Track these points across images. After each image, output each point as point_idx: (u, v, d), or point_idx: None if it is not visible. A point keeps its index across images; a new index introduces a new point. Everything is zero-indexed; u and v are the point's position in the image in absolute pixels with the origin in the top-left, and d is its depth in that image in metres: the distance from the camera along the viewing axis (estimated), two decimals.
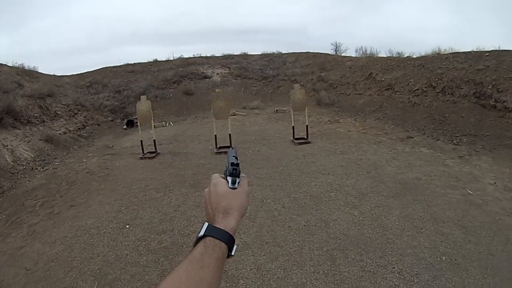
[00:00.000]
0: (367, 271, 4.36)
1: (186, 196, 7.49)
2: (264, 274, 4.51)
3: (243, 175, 1.10)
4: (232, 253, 0.94)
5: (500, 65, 11.42)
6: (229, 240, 0.92)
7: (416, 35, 70.77)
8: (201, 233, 0.93)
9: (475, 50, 13.57)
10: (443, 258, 4.51)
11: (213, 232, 0.92)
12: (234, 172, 1.06)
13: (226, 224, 0.95)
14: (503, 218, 5.66)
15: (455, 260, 4.45)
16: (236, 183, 1.06)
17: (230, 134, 11.15)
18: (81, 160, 11.52)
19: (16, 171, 10.12)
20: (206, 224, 0.95)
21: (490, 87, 11.01)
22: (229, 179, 1.06)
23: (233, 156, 1.15)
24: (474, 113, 10.88)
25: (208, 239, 0.90)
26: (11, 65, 19.12)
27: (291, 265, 4.66)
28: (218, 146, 11.18)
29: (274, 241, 5.34)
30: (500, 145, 9.28)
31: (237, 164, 1.08)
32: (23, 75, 18.01)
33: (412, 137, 10.99)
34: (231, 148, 1.24)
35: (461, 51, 14.19)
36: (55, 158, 11.90)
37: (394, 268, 4.37)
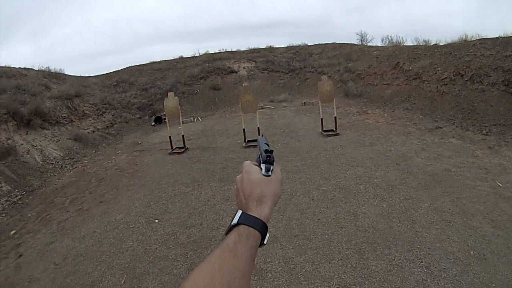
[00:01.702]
0: (395, 265, 4.36)
1: (215, 190, 7.61)
2: (292, 268, 4.57)
3: (276, 162, 1.07)
4: (265, 242, 0.92)
5: None
6: (263, 228, 0.91)
7: (440, 19, 68.95)
8: (235, 221, 0.91)
9: (502, 35, 13.29)
10: (471, 252, 4.46)
11: (247, 220, 0.90)
12: (268, 159, 1.04)
13: (260, 212, 0.94)
14: None
15: (483, 255, 4.39)
16: (270, 170, 1.03)
17: (258, 128, 11.28)
18: (110, 157, 11.84)
19: (45, 169, 10.49)
20: (239, 212, 0.93)
21: None
22: (263, 166, 1.04)
23: (265, 143, 1.14)
24: (503, 102, 10.64)
25: (242, 227, 0.89)
26: (37, 68, 19.60)
27: (320, 259, 4.70)
28: (246, 140, 11.28)
29: (303, 234, 5.40)
30: None
31: (271, 151, 1.06)
32: (50, 78, 18.57)
33: (441, 127, 10.85)
34: (261, 136, 1.23)
35: (488, 37, 13.94)
36: (84, 156, 12.24)
37: (422, 262, 4.35)
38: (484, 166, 7.47)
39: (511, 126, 9.67)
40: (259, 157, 1.11)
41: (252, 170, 1.04)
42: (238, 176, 1.07)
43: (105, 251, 5.56)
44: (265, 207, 0.96)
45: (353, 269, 4.41)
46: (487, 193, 6.20)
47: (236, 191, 1.06)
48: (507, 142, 8.80)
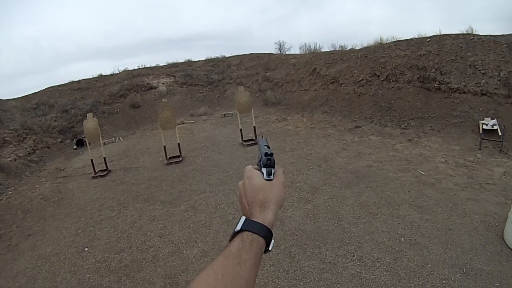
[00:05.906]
0: (328, 263, 4.42)
1: (141, 211, 7.39)
2: None
3: (277, 165, 1.04)
4: (270, 248, 0.90)
5: (442, 49, 11.77)
6: (267, 234, 0.88)
7: (358, 27, 72.57)
8: (238, 227, 0.88)
9: (416, 37, 13.92)
10: (402, 239, 4.63)
11: (251, 226, 0.87)
12: (269, 162, 1.01)
13: (264, 217, 0.90)
14: (458, 193, 5.89)
15: (414, 240, 4.58)
16: (272, 174, 1.00)
17: (178, 144, 11.01)
18: (34, 186, 11.09)
19: None
20: (243, 218, 0.90)
21: (433, 70, 11.34)
22: (264, 170, 1.01)
23: (265, 145, 1.11)
24: (420, 97, 11.17)
25: (245, 233, 0.86)
26: None
27: None
28: (168, 157, 10.98)
29: None
30: (448, 125, 9.58)
31: (271, 154, 1.03)
32: None
33: (360, 127, 11.16)
34: (261, 137, 1.21)
35: (402, 39, 14.50)
36: (8, 187, 11.40)
37: (354, 256, 4.45)
38: (405, 158, 7.75)
39: (429, 118, 10.15)
40: (260, 160, 1.08)
41: (253, 175, 1.01)
42: (240, 182, 1.05)
43: (40, 287, 5.27)
44: (269, 212, 0.93)
45: (286, 272, 4.44)
46: (411, 182, 6.45)
47: (239, 198, 1.04)
48: (426, 133, 9.24)
